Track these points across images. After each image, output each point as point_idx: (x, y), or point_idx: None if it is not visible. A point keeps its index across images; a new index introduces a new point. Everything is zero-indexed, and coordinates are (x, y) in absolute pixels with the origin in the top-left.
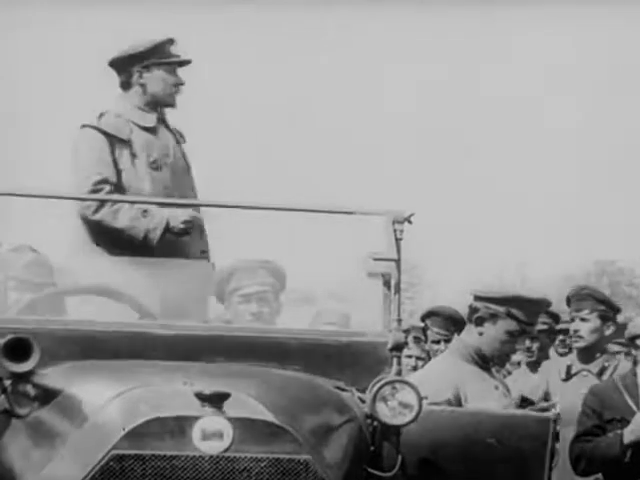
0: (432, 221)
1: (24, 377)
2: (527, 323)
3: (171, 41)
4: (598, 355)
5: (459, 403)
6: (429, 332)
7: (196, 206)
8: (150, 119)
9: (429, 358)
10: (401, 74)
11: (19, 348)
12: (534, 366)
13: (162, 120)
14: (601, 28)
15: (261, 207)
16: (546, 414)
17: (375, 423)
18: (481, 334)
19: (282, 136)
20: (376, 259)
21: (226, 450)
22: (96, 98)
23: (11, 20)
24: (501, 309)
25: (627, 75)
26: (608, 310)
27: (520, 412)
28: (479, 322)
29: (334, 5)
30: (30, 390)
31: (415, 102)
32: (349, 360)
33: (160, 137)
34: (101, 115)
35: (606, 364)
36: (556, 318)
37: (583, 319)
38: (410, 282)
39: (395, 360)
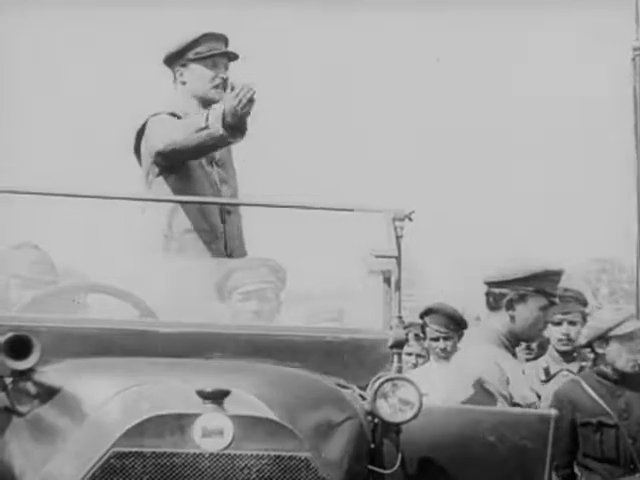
0: (432, 218)
1: (25, 374)
2: (554, 295)
3: (215, 36)
4: (575, 354)
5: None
6: (428, 329)
7: (199, 204)
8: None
9: (429, 356)
10: (407, 73)
11: (20, 345)
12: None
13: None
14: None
15: (260, 204)
16: (547, 412)
17: (375, 420)
18: (513, 317)
19: (280, 133)
20: (377, 256)
21: (226, 447)
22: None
23: (59, 19)
24: (530, 288)
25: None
26: (586, 310)
27: (521, 410)
28: (509, 305)
29: (353, 5)
30: (31, 388)
31: (417, 100)
32: (349, 357)
33: None
34: (155, 115)
35: (583, 363)
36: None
37: (572, 322)
38: (410, 279)
39: (396, 357)
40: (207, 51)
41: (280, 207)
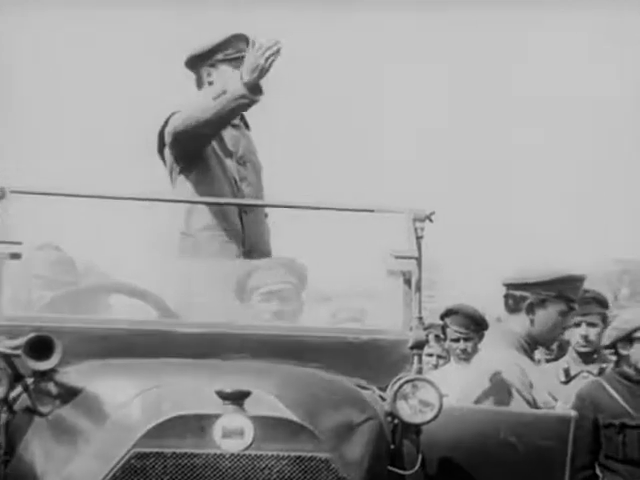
0: (453, 219)
1: (46, 375)
2: (574, 301)
3: (241, 37)
4: (595, 356)
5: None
6: (448, 330)
7: (216, 204)
8: None
9: (450, 357)
10: (427, 75)
11: (41, 346)
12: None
13: (241, 117)
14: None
15: (281, 205)
16: (567, 413)
17: (396, 421)
18: (532, 321)
19: (302, 134)
20: (397, 257)
21: (247, 448)
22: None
23: (61, 19)
24: (552, 292)
25: None
26: (607, 311)
27: (541, 411)
28: (530, 309)
29: (354, 4)
30: (52, 388)
31: (439, 101)
32: (370, 358)
33: (244, 134)
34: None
35: (604, 365)
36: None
37: (591, 323)
38: (431, 280)
39: (416, 358)
40: (235, 52)
41: (301, 208)
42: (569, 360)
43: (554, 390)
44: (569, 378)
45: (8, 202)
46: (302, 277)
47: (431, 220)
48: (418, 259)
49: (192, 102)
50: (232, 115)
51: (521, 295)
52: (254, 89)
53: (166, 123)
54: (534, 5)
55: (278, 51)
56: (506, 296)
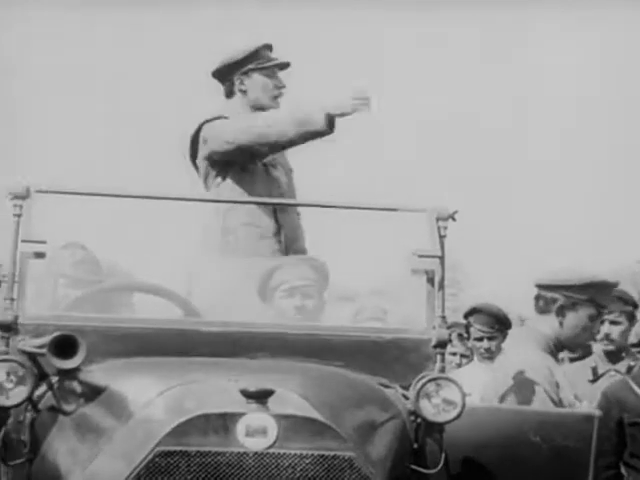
0: (477, 218)
1: (70, 374)
2: (605, 306)
3: (268, 46)
4: (623, 355)
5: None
6: (472, 329)
7: (239, 203)
8: None
9: (473, 356)
10: (451, 74)
11: (66, 345)
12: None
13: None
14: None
15: (304, 204)
16: (591, 412)
17: (418, 420)
18: (562, 323)
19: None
20: (420, 256)
21: (270, 447)
22: (198, 108)
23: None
24: (583, 296)
25: None
26: (633, 310)
27: (565, 410)
28: (560, 311)
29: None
30: (76, 387)
31: (462, 99)
32: (393, 357)
33: None
34: (210, 120)
35: (632, 363)
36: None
37: (614, 322)
38: (454, 279)
39: (439, 357)
40: (266, 61)
41: (324, 207)
42: (596, 359)
43: (582, 389)
44: (596, 377)
45: (32, 201)
46: (324, 275)
47: (454, 219)
48: (441, 258)
49: (253, 117)
50: (303, 142)
51: (552, 297)
52: (332, 124)
53: (198, 132)
54: (535, 5)
55: (367, 104)
56: (537, 297)
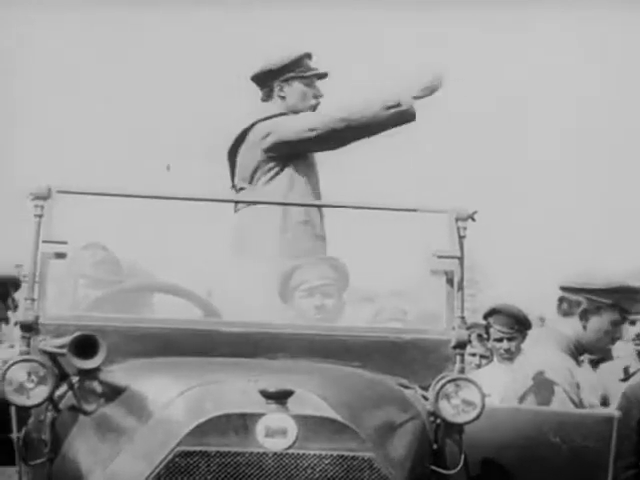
0: (496, 219)
1: (91, 374)
2: (629, 312)
3: (309, 55)
4: None
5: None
6: (492, 330)
7: (256, 203)
8: None
9: (493, 356)
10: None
11: (86, 345)
12: (595, 365)
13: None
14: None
15: (323, 205)
16: (611, 413)
17: (438, 421)
18: (585, 327)
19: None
20: (439, 257)
21: (290, 447)
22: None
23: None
24: (608, 301)
25: None
26: None
27: (584, 411)
28: (583, 315)
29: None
30: (97, 387)
31: (481, 100)
32: (412, 358)
33: None
34: (265, 119)
35: None
36: None
37: None
38: (472, 279)
39: (458, 358)
40: (307, 70)
41: (344, 207)
42: (629, 358)
43: (614, 389)
44: (627, 376)
45: (54, 202)
46: (344, 275)
47: (474, 219)
48: (461, 259)
49: (323, 112)
50: (392, 126)
51: (576, 300)
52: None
53: (250, 128)
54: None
55: (438, 86)
56: (560, 299)
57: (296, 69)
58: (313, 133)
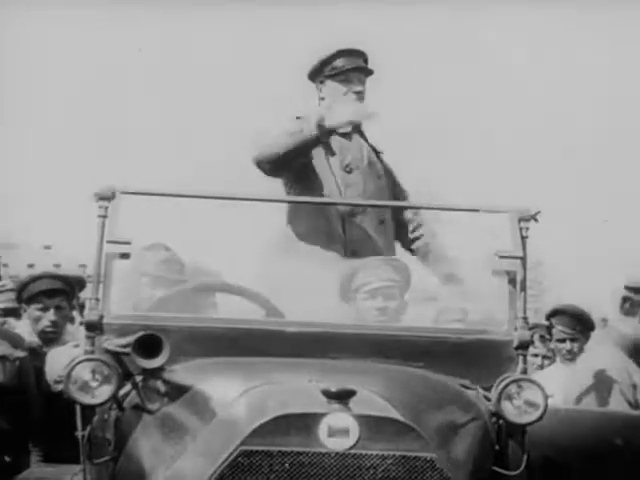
0: (560, 219)
1: (154, 373)
2: None
3: (342, 52)
4: None
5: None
6: (554, 330)
7: (307, 203)
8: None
9: (555, 357)
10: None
11: (150, 345)
12: None
13: (356, 128)
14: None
15: (383, 204)
16: None
17: (500, 422)
18: None
19: (406, 133)
20: (502, 257)
21: (352, 447)
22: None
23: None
24: None
25: None
26: None
27: None
28: None
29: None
30: (160, 386)
31: (542, 100)
32: (474, 358)
33: (354, 143)
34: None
35: None
36: None
37: None
38: (535, 280)
39: (521, 358)
40: (341, 67)
41: (403, 207)
42: None
43: None
44: None
45: (118, 202)
46: (406, 276)
47: (536, 220)
48: (523, 259)
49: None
50: (297, 152)
51: (639, 300)
52: (327, 134)
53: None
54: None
55: (367, 119)
56: (624, 298)
57: (329, 67)
58: (257, 163)
